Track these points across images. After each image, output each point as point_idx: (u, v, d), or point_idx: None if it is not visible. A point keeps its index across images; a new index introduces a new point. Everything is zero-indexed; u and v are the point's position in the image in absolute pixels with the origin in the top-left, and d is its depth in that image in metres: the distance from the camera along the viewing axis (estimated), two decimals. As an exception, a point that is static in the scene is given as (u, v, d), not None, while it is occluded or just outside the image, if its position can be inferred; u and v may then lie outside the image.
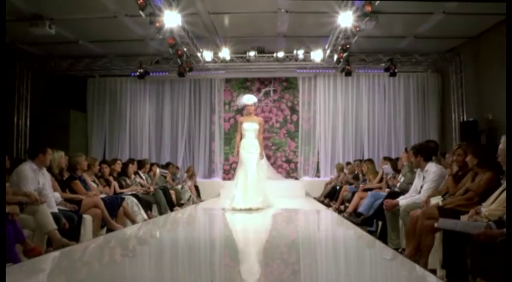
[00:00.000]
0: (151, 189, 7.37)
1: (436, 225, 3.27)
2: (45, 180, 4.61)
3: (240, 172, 7.20)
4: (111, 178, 6.66)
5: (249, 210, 6.68)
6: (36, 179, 4.49)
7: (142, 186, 7.40)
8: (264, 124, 7.73)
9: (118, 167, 7.07)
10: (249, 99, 7.53)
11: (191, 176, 10.20)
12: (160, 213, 7.11)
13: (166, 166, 9.78)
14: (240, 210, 6.70)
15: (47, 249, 4.03)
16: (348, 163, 10.01)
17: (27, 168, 4.49)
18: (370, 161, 8.17)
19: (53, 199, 4.66)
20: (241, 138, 7.45)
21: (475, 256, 2.88)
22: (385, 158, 7.10)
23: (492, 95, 8.63)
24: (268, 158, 11.60)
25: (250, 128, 7.35)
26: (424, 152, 4.76)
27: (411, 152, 4.81)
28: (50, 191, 4.66)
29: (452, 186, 4.21)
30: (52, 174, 5.04)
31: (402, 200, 4.67)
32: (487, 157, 3.76)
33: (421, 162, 4.69)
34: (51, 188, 4.73)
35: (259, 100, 11.58)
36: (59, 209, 4.62)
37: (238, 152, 7.35)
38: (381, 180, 6.82)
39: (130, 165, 7.47)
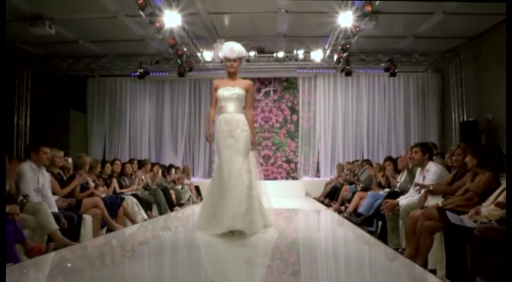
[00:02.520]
0: (150, 182, 7.37)
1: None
2: (44, 180, 4.61)
3: (216, 175, 4.33)
4: (113, 180, 6.66)
5: (231, 233, 3.98)
6: (35, 179, 4.48)
7: (142, 182, 7.41)
8: (254, 91, 4.43)
9: (117, 167, 7.06)
10: (231, 49, 4.47)
11: (188, 175, 10.22)
12: (160, 213, 7.11)
13: (169, 168, 9.77)
14: (215, 234, 4.00)
15: (48, 245, 4.02)
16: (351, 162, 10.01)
17: (27, 167, 4.49)
18: (368, 161, 8.24)
19: (53, 199, 4.67)
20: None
21: (475, 256, 2.88)
22: (387, 158, 7.08)
23: (492, 95, 8.63)
24: (268, 158, 11.66)
25: (230, 95, 4.38)
26: (430, 151, 4.84)
27: (417, 149, 4.80)
28: (49, 191, 4.66)
29: (447, 187, 4.24)
30: (52, 174, 5.03)
31: (402, 200, 4.68)
32: (486, 157, 3.77)
33: (425, 161, 4.72)
34: (50, 189, 4.72)
35: (258, 100, 11.61)
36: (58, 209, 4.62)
37: (210, 135, 4.47)
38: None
39: (130, 165, 7.48)
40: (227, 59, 4.50)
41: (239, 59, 4.54)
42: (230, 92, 4.41)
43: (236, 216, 3.94)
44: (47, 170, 4.87)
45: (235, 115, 4.37)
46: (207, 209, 4.29)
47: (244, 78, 4.70)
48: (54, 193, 4.84)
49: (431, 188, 4.30)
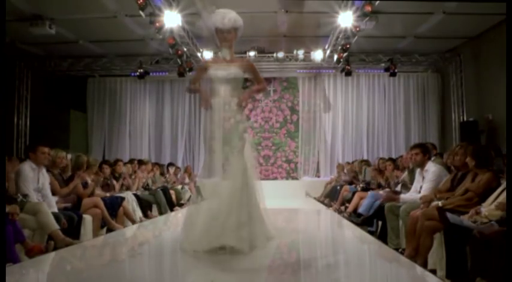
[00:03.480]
0: (150, 182, 7.40)
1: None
2: (44, 179, 4.61)
3: (203, 175, 3.70)
4: (115, 182, 6.66)
5: (223, 249, 3.33)
6: (35, 178, 4.49)
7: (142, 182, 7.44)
8: (255, 71, 3.84)
9: (119, 168, 7.05)
10: (224, 17, 3.75)
11: (190, 175, 10.22)
12: (160, 213, 7.11)
13: (168, 167, 9.77)
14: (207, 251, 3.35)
15: (48, 243, 4.02)
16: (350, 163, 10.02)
17: (27, 167, 4.49)
18: (367, 161, 8.25)
19: (53, 199, 4.67)
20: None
21: (475, 256, 2.88)
22: (387, 159, 7.08)
23: (492, 95, 8.63)
24: (268, 158, 11.65)
25: (225, 75, 3.62)
26: (430, 151, 4.89)
27: (418, 150, 4.81)
28: (49, 191, 4.66)
29: (445, 189, 4.25)
30: (52, 174, 5.03)
31: (404, 196, 4.71)
32: (485, 158, 3.78)
33: (425, 162, 4.74)
34: (50, 189, 4.72)
35: (259, 100, 11.60)
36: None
37: (207, 101, 3.61)
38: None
39: (130, 165, 7.49)
40: (219, 31, 3.62)
41: (234, 30, 3.68)
42: (226, 71, 3.58)
43: (226, 228, 3.29)
44: (47, 170, 4.87)
45: (230, 101, 3.57)
46: (192, 220, 3.56)
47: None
48: (54, 193, 4.84)
49: (435, 199, 4.24)
